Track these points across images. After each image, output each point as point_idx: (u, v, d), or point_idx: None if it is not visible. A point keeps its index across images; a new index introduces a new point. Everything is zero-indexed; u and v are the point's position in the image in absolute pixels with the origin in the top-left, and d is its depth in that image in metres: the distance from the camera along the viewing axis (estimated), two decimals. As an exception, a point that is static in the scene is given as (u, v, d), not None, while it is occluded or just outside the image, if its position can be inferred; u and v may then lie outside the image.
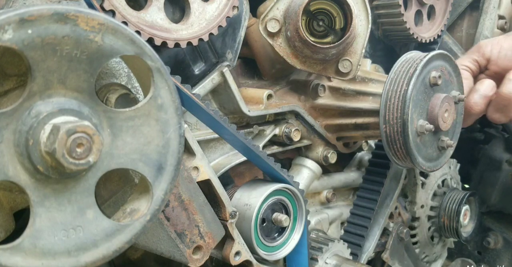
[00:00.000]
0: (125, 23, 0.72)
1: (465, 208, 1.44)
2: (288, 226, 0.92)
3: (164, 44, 0.78)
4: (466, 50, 1.39)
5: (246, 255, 0.86)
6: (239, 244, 0.84)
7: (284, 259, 1.00)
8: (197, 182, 0.77)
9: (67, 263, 0.53)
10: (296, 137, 1.08)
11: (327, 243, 1.06)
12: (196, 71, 0.93)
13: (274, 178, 0.92)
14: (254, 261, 0.87)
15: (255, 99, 1.01)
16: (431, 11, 1.30)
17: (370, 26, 0.95)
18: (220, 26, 0.85)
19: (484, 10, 1.42)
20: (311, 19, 0.97)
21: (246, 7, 0.99)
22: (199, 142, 0.79)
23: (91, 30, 0.52)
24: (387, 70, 1.29)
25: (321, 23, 0.97)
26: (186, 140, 0.73)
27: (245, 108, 0.97)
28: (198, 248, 0.77)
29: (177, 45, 0.80)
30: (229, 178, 1.04)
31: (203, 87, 0.94)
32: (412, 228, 1.42)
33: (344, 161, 1.30)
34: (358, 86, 1.10)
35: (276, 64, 1.07)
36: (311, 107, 1.13)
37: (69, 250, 0.53)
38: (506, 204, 1.62)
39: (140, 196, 0.63)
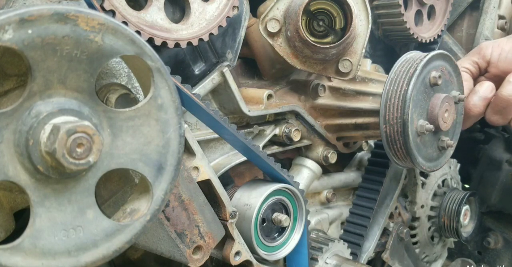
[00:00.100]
0: (125, 23, 0.72)
1: (465, 208, 1.44)
2: (288, 226, 0.92)
3: (164, 44, 0.78)
4: (466, 50, 1.40)
5: (246, 255, 0.86)
6: (239, 244, 0.84)
7: (284, 259, 1.00)
8: (197, 182, 0.77)
9: (67, 263, 0.53)
10: (296, 137, 1.08)
11: (327, 243, 1.06)
12: (196, 71, 0.93)
13: (274, 178, 0.92)
14: (254, 261, 0.87)
15: (255, 99, 1.01)
16: (431, 11, 1.30)
17: (370, 26, 0.95)
18: (220, 26, 0.85)
19: (484, 10, 1.42)
20: (311, 19, 0.97)
21: (246, 7, 0.99)
22: (199, 142, 0.79)
23: (91, 30, 0.52)
24: (387, 70, 1.29)
25: (321, 23, 0.97)
26: (186, 140, 0.73)
27: (245, 108, 0.97)
28: (198, 248, 0.77)
29: (177, 45, 0.80)
30: (229, 178, 1.04)
31: (203, 87, 0.94)
32: (412, 228, 1.42)
33: (344, 161, 1.30)
34: (358, 86, 1.10)
35: (276, 64, 1.07)
36: (311, 107, 1.13)
37: (69, 250, 0.53)
38: (506, 204, 1.62)
39: (140, 196, 0.63)
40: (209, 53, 0.94)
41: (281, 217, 0.89)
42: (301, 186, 1.05)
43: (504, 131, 1.64)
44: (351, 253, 1.14)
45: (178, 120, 0.61)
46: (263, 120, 1.08)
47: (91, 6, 0.68)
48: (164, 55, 0.87)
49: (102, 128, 0.55)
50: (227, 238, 0.84)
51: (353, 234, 1.22)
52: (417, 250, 1.43)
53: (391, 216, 1.32)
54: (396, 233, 1.29)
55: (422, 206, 1.41)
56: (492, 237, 1.70)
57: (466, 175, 1.62)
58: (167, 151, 0.61)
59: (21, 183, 0.50)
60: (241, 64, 1.09)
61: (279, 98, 1.10)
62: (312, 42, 0.91)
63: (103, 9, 0.71)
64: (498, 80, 1.17)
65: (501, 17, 1.46)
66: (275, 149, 1.10)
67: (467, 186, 1.69)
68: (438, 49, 1.30)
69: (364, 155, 1.32)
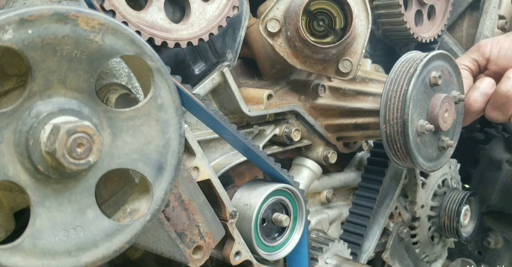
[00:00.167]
0: (125, 23, 0.72)
1: (465, 208, 1.44)
2: (288, 226, 0.92)
3: (164, 44, 0.78)
4: (466, 50, 1.39)
5: (246, 255, 0.86)
6: (239, 244, 0.84)
7: (284, 259, 1.00)
8: (197, 182, 0.77)
9: (67, 263, 0.53)
10: (296, 137, 1.08)
11: (327, 243, 1.06)
12: (196, 71, 0.93)
13: (274, 178, 0.92)
14: (254, 261, 0.87)
15: (255, 99, 1.01)
16: (431, 11, 1.30)
17: (370, 26, 0.95)
18: (220, 26, 0.85)
19: (484, 10, 1.42)
20: (311, 19, 0.97)
21: (246, 7, 0.99)
22: (199, 142, 0.79)
23: (91, 30, 0.52)
24: (387, 70, 1.29)
25: (321, 23, 0.97)
26: (186, 140, 0.73)
27: (245, 108, 0.97)
28: (198, 248, 0.77)
29: (177, 45, 0.80)
30: (229, 178, 1.04)
31: (203, 87, 0.94)
32: (412, 228, 1.42)
33: (344, 161, 1.30)
34: (358, 86, 1.10)
35: (276, 64, 1.07)
36: (311, 107, 1.13)
37: (69, 250, 0.53)
38: (506, 204, 1.62)
39: (140, 196, 0.63)
40: (209, 53, 0.94)
41: (281, 217, 0.89)
42: (301, 186, 1.05)
43: (504, 131, 1.64)
44: (351, 253, 1.14)
45: (178, 120, 0.61)
46: (263, 120, 1.08)
47: (91, 6, 0.68)
48: (164, 55, 0.87)
49: (102, 128, 0.55)
50: (227, 238, 0.84)
51: (353, 234, 1.22)
52: (417, 250, 1.43)
53: (391, 216, 1.32)
54: (396, 233, 1.29)
55: (422, 206, 1.41)
56: (492, 237, 1.70)
57: (466, 175, 1.62)
58: (167, 151, 0.61)
59: (21, 183, 0.51)
60: (241, 64, 1.09)
61: (279, 98, 1.10)
62: (312, 42, 0.91)
63: (103, 9, 0.71)
64: (498, 77, 1.17)
65: (501, 17, 1.46)
66: (275, 149, 1.10)
67: (467, 186, 1.69)
68: (438, 49, 1.30)
69: (364, 155, 1.32)
